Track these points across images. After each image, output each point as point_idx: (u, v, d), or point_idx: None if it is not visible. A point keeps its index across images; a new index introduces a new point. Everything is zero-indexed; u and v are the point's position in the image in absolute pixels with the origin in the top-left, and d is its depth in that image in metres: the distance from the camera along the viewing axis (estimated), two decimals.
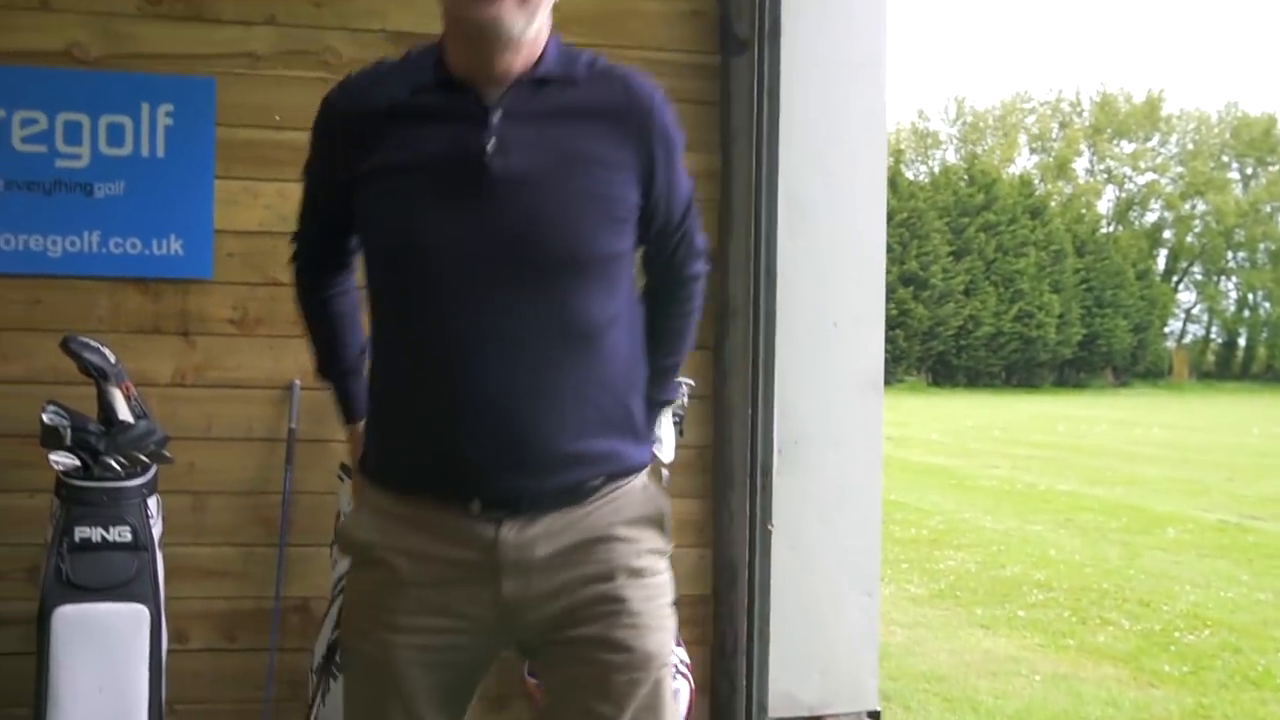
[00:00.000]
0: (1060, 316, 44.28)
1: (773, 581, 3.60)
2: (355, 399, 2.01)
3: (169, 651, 3.25)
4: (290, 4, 3.61)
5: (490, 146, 1.67)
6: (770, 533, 3.59)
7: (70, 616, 3.03)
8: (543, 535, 1.73)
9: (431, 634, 1.75)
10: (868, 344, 3.65)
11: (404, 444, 1.78)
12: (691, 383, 3.59)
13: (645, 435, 1.87)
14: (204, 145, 3.56)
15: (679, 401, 3.53)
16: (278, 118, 3.60)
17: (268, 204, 3.56)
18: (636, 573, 1.78)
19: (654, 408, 1.94)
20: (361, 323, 2.02)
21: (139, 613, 3.09)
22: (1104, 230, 52.46)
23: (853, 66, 3.63)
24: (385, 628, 1.75)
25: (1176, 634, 6.38)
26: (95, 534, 3.08)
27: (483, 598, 1.73)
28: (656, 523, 1.83)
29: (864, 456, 3.65)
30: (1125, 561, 8.60)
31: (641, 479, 1.84)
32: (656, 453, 3.44)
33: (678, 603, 3.64)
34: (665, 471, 3.56)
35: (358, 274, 1.99)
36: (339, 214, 1.84)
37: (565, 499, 1.74)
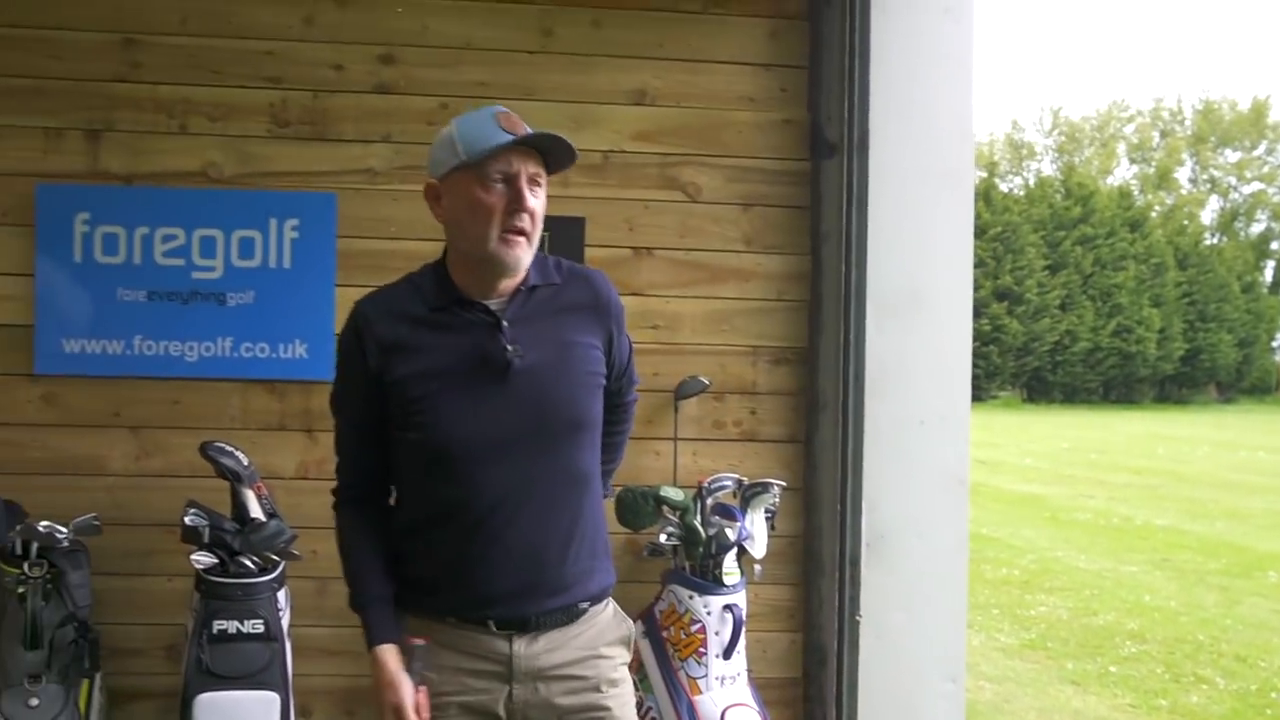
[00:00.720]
0: (1161, 331, 43.23)
1: (860, 668, 3.75)
2: (392, 620, 2.20)
3: None
4: (404, 123, 3.88)
5: (510, 348, 2.12)
6: (858, 623, 3.74)
7: (209, 704, 3.30)
8: (545, 649, 2.17)
9: None
10: (953, 441, 3.77)
11: (435, 578, 2.18)
12: (783, 483, 3.76)
13: (610, 556, 2.31)
14: (326, 256, 3.84)
15: (771, 500, 3.71)
16: (393, 229, 3.87)
17: None
18: (614, 683, 2.24)
19: None
20: None
21: (270, 699, 3.35)
22: (1207, 242, 51.08)
23: (940, 175, 3.75)
24: None
25: (1273, 694, 6.32)
26: (231, 626, 3.35)
27: (499, 700, 2.16)
28: (626, 642, 2.31)
29: (949, 550, 3.76)
30: (1223, 609, 8.49)
31: (612, 606, 2.30)
32: (749, 548, 3.63)
33: (771, 685, 3.83)
34: (759, 566, 3.74)
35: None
36: (379, 428, 2.19)
37: (562, 618, 2.18)
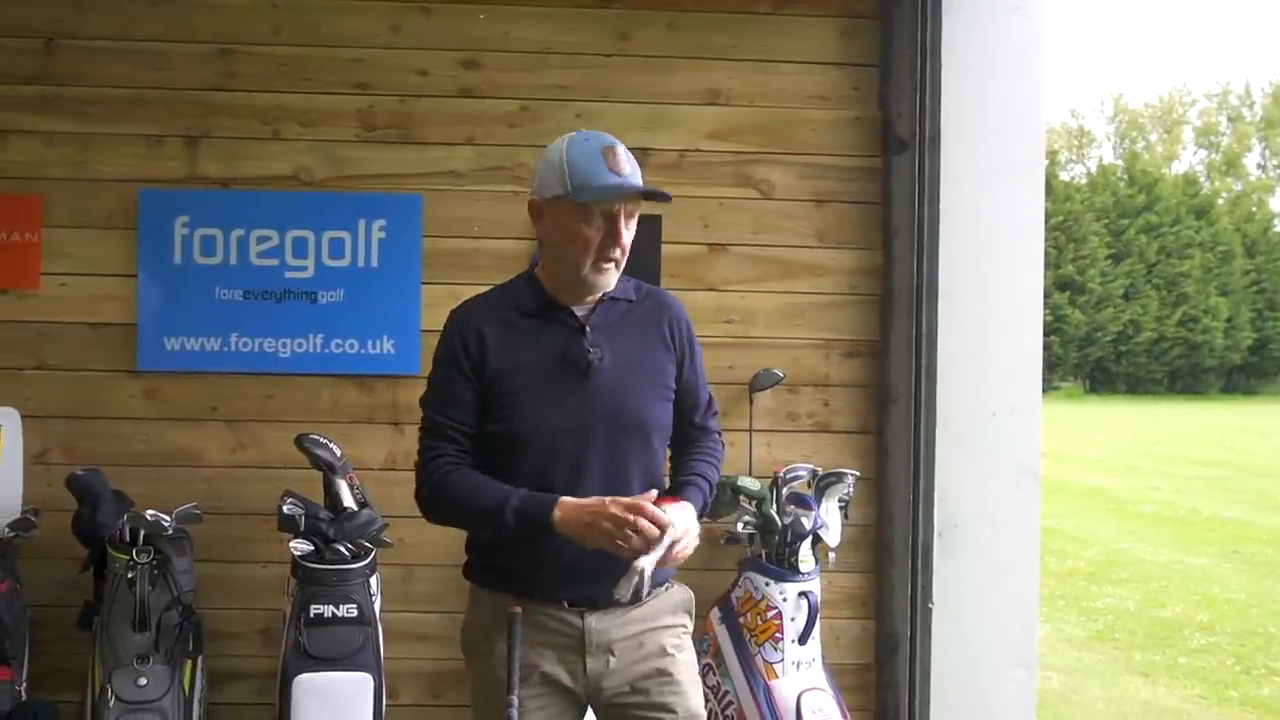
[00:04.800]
0: (1228, 320, 42.52)
1: (932, 655, 3.82)
2: (539, 498, 2.26)
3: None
4: (487, 127, 4.01)
5: (591, 350, 2.33)
6: (931, 610, 3.81)
7: (307, 684, 3.45)
8: (616, 624, 2.37)
9: (536, 699, 2.34)
10: (1025, 433, 3.83)
11: (517, 558, 2.33)
12: (856, 473, 3.83)
13: None
14: (412, 255, 3.98)
15: (845, 490, 3.79)
16: (476, 228, 4.00)
17: None
18: (678, 649, 2.43)
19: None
20: None
21: (364, 680, 3.50)
22: (1277, 229, 49.99)
23: (1010, 169, 3.80)
24: (505, 703, 2.27)
25: None
26: (327, 610, 3.50)
27: (573, 671, 2.36)
28: (687, 610, 2.50)
29: (1021, 540, 3.82)
30: None
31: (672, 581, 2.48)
32: (823, 536, 3.72)
33: (844, 670, 3.89)
34: (833, 554, 3.82)
35: None
36: (469, 419, 2.35)
37: (630, 598, 2.31)
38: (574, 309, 2.37)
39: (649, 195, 2.31)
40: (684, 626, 2.48)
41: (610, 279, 2.34)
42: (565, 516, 2.22)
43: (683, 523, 2.26)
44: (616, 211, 2.28)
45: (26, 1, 3.93)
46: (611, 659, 2.36)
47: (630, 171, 2.28)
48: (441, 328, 2.43)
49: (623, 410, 2.34)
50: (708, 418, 2.57)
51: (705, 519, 3.67)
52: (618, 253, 2.31)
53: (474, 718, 2.48)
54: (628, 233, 2.31)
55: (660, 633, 2.41)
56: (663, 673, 2.38)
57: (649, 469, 2.40)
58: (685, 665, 2.44)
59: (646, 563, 2.18)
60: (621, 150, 2.30)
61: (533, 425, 2.31)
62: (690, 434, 2.53)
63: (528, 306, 2.38)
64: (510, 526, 2.26)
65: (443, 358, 2.40)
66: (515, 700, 2.22)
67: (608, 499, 2.22)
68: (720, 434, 2.62)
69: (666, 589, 2.45)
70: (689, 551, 2.29)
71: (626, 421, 2.35)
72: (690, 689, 2.42)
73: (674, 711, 2.37)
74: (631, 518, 2.18)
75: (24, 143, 3.93)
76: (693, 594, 2.54)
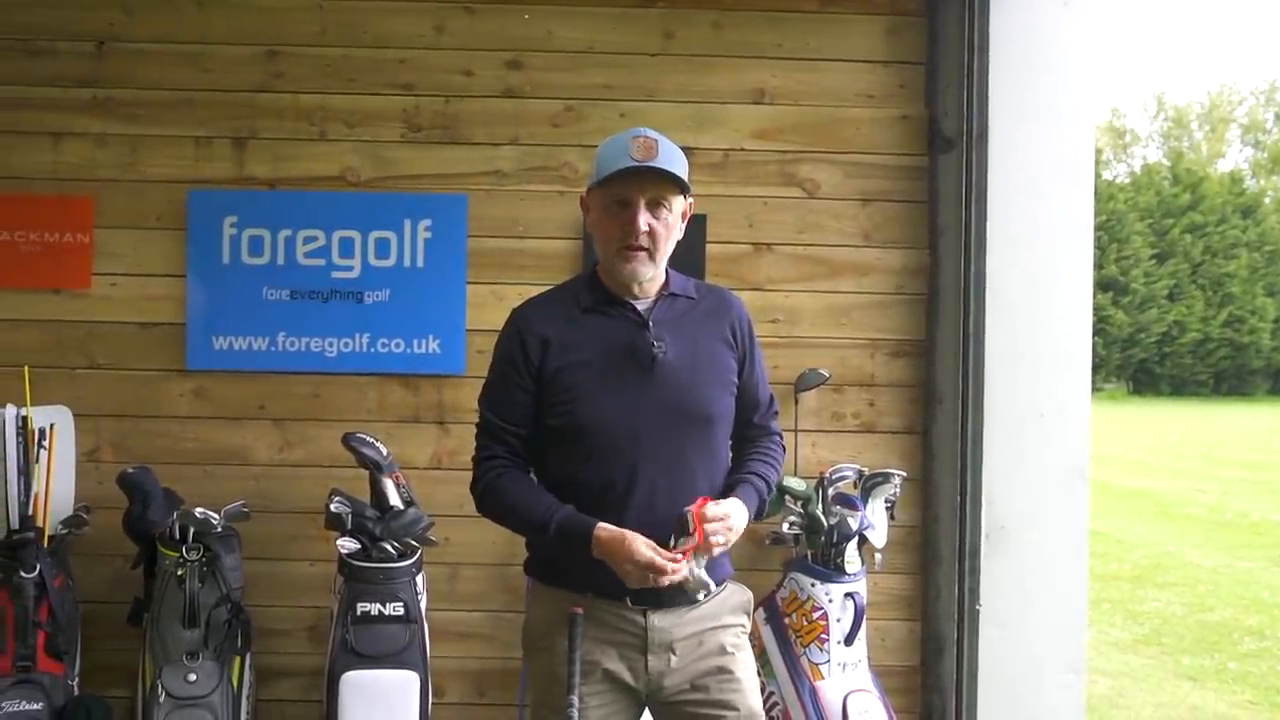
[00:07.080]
0: (1276, 321, 41.83)
1: (979, 658, 3.79)
2: (578, 523, 2.30)
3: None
4: (532, 126, 4.01)
5: (656, 344, 2.34)
6: (978, 613, 3.78)
7: (354, 681, 3.47)
8: (678, 623, 2.37)
9: (597, 697, 2.35)
10: (1073, 434, 3.79)
11: (579, 556, 2.30)
12: (903, 474, 3.80)
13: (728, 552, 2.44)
14: (457, 255, 4.00)
15: (891, 490, 3.76)
16: (521, 228, 4.01)
17: (512, 305, 3.94)
18: (737, 648, 2.44)
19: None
20: None
21: (410, 678, 3.51)
22: None
23: (1059, 167, 3.77)
24: (566, 703, 2.27)
25: None
26: (374, 608, 3.52)
27: (635, 669, 2.36)
28: (746, 610, 2.51)
29: (1069, 542, 3.78)
30: None
31: (731, 581, 2.49)
32: (869, 537, 3.69)
33: (890, 672, 3.87)
34: (879, 555, 3.80)
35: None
36: (533, 422, 2.37)
37: (692, 596, 2.36)
38: (635, 304, 2.39)
39: (656, 175, 2.27)
40: (743, 626, 2.49)
41: (639, 268, 2.34)
42: (601, 549, 2.28)
43: (737, 519, 2.31)
44: (631, 198, 2.31)
45: (79, 6, 3.98)
46: (673, 657, 2.36)
47: (655, 159, 2.28)
48: (498, 327, 2.46)
49: (686, 401, 2.35)
50: (768, 418, 2.58)
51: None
52: (635, 239, 2.31)
53: (532, 714, 2.50)
54: (652, 220, 2.31)
55: (720, 632, 2.42)
56: (723, 670, 2.39)
57: (711, 462, 2.41)
58: (745, 664, 2.45)
59: (684, 568, 2.23)
60: (651, 140, 2.30)
61: (594, 416, 2.32)
62: (749, 433, 2.54)
63: (588, 302, 2.40)
64: (553, 542, 2.33)
65: (501, 358, 2.43)
66: (575, 701, 2.22)
67: (629, 538, 2.24)
68: (781, 435, 2.62)
69: (726, 585, 2.45)
70: (721, 540, 2.28)
71: (689, 413, 2.36)
72: (750, 687, 2.43)
73: (735, 709, 2.38)
74: (653, 563, 2.21)
75: (76, 145, 3.99)
76: (751, 595, 2.54)
